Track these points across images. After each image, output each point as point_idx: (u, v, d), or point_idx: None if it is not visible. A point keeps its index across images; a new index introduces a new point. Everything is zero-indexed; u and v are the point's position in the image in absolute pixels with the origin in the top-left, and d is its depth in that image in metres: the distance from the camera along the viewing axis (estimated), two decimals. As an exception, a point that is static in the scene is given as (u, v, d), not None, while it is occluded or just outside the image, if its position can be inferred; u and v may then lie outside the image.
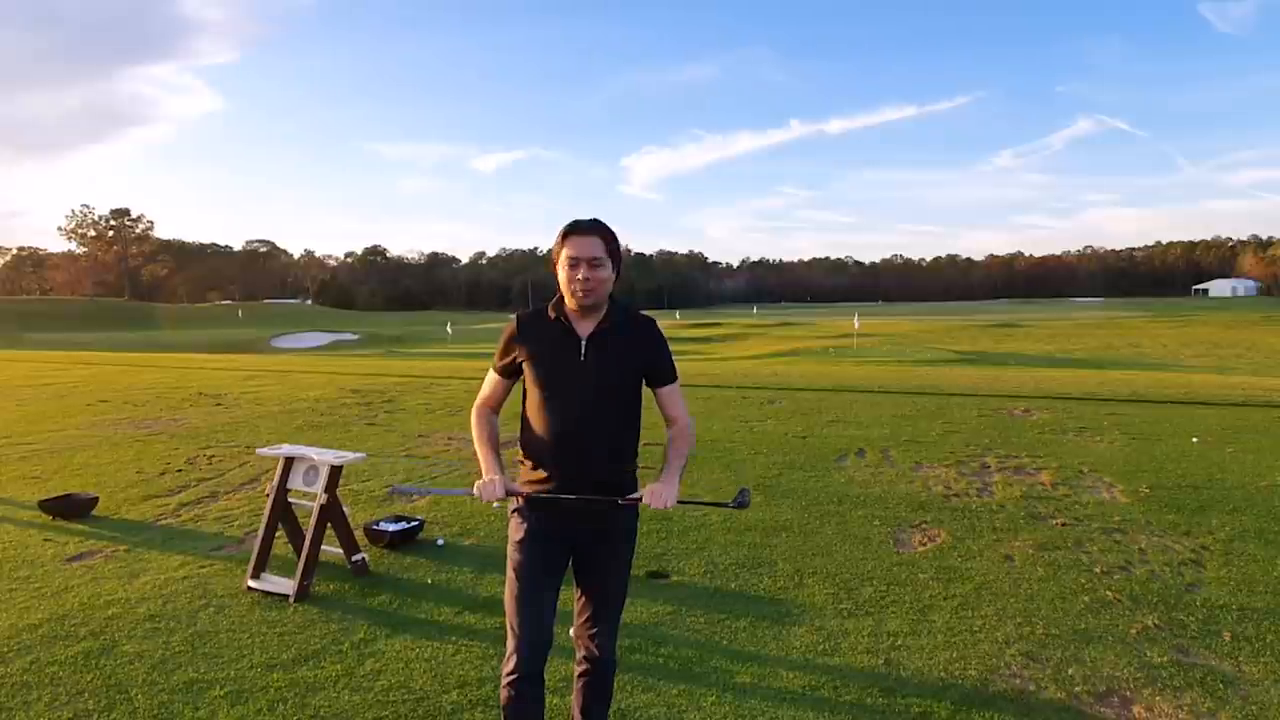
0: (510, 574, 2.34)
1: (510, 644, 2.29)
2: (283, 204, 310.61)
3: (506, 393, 2.50)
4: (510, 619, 2.31)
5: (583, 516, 2.32)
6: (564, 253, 2.27)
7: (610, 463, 2.33)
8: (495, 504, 2.38)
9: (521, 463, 2.40)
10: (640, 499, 2.28)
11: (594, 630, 2.39)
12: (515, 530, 2.37)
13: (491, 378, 2.48)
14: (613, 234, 2.30)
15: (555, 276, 2.32)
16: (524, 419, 2.38)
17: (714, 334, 55.26)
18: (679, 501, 2.29)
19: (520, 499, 2.34)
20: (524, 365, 2.36)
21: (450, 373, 15.26)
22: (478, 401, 2.51)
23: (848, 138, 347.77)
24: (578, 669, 2.46)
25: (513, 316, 2.46)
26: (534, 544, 2.33)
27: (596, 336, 2.31)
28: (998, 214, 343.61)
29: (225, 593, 4.05)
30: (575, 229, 2.26)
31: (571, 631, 2.47)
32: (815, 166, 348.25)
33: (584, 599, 2.41)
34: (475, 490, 2.30)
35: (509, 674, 2.27)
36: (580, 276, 2.23)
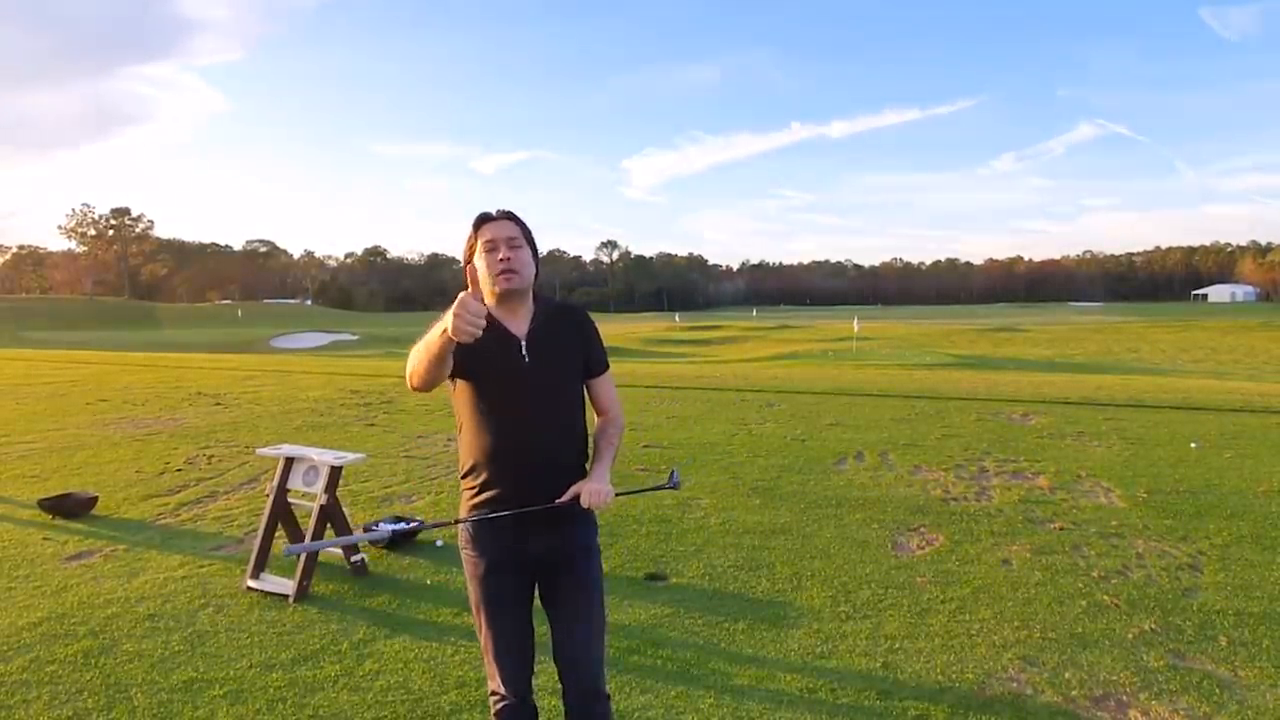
0: (477, 611, 2.20)
1: (492, 679, 2.20)
2: (283, 204, 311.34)
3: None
4: (486, 653, 2.20)
5: (535, 528, 2.13)
6: (479, 241, 2.13)
7: (575, 463, 2.19)
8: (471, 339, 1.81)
9: (468, 488, 2.19)
10: (577, 500, 2.10)
11: (577, 662, 2.19)
12: (472, 564, 2.19)
13: None
14: (526, 224, 2.18)
15: (471, 277, 2.18)
16: (467, 438, 2.17)
17: (713, 336, 55.31)
18: (617, 494, 2.15)
19: (468, 534, 2.18)
20: (460, 379, 2.13)
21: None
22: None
23: (849, 141, 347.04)
24: (566, 711, 2.22)
25: None
26: (495, 576, 2.17)
27: (534, 334, 2.15)
28: (998, 218, 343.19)
29: (224, 592, 4.06)
30: (487, 217, 2.15)
31: (554, 664, 2.23)
32: (816, 169, 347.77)
33: (560, 630, 2.20)
34: (450, 330, 1.78)
35: (495, 708, 2.19)
36: (501, 256, 2.08)
